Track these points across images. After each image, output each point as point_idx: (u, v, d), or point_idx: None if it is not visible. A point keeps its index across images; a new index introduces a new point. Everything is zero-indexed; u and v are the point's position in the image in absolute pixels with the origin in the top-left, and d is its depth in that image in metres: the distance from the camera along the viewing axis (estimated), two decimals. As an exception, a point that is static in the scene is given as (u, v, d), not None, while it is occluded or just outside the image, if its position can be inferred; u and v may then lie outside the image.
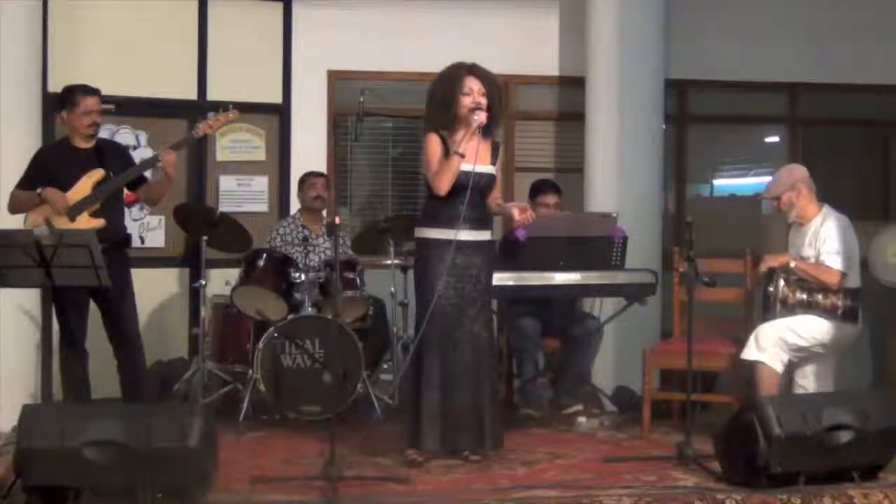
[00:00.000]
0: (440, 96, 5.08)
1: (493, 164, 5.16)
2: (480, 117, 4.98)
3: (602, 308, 6.39)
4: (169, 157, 5.47)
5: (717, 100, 8.00)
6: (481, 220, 5.13)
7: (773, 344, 5.37)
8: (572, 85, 7.55)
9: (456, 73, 5.08)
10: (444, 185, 4.99)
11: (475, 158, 4.95)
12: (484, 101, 5.03)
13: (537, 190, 6.52)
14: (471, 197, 4.98)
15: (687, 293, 5.29)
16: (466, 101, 5.01)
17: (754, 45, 7.73)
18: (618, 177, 7.01)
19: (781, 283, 5.47)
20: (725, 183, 8.50)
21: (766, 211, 7.97)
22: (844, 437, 4.56)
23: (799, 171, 5.65)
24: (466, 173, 4.97)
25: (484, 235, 5.14)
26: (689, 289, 5.24)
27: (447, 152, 5.00)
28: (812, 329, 5.43)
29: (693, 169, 8.10)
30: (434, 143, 5.05)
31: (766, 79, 7.86)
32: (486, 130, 5.09)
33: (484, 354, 5.08)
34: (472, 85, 5.03)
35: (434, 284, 4.97)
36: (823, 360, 5.55)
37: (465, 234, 5.03)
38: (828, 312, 5.44)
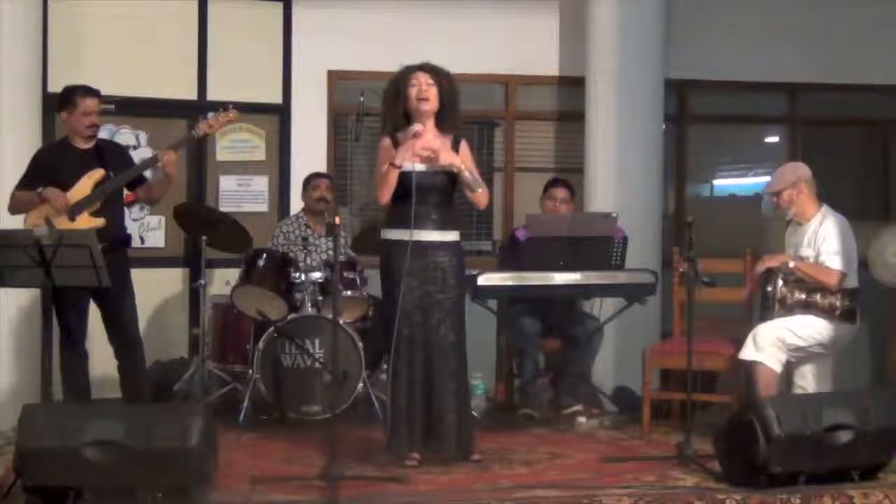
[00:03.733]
0: (389, 94, 5.09)
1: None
2: (416, 128, 4.94)
3: (602, 308, 6.39)
4: (169, 157, 5.47)
5: (717, 100, 7.99)
6: (445, 220, 5.05)
7: (770, 344, 5.37)
8: (572, 85, 7.55)
9: (405, 70, 5.07)
10: (382, 196, 4.99)
11: (422, 148, 4.91)
12: (432, 90, 5.00)
13: (550, 185, 6.54)
14: (425, 197, 4.94)
15: (687, 293, 5.29)
16: (413, 92, 4.99)
17: (754, 45, 7.72)
18: (618, 177, 7.01)
19: (780, 283, 5.46)
20: (725, 183, 8.50)
21: (766, 211, 7.98)
22: (844, 437, 4.56)
23: (802, 170, 5.65)
24: (409, 174, 4.92)
25: (448, 236, 5.06)
26: (689, 289, 5.23)
27: None
28: (810, 329, 5.42)
29: (693, 169, 8.09)
30: (384, 151, 5.04)
31: (766, 79, 7.85)
32: (441, 124, 5.06)
33: (450, 359, 4.99)
34: (420, 77, 5.02)
35: (394, 286, 4.94)
36: (822, 361, 5.55)
37: (428, 235, 5.00)
38: (826, 312, 5.44)
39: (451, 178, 5.06)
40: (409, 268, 4.92)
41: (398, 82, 5.07)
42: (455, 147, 5.10)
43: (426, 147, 4.96)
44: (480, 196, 5.12)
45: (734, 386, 5.71)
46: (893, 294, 6.60)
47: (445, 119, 5.08)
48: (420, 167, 4.96)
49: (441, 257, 5.02)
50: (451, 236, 5.08)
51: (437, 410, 4.97)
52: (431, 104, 5.02)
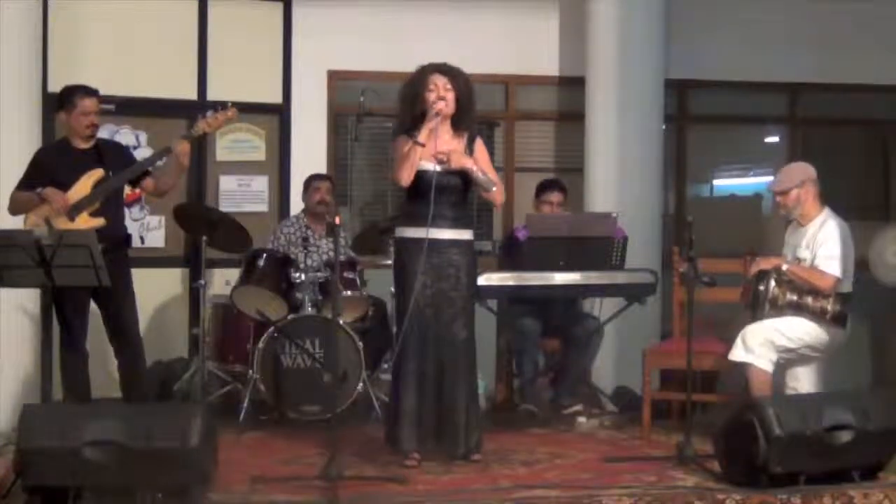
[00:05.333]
0: (406, 96, 5.09)
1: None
2: (439, 105, 4.97)
3: (602, 308, 6.39)
4: (183, 147, 5.46)
5: (717, 100, 8.00)
6: (460, 218, 5.10)
7: (760, 345, 5.33)
8: (572, 85, 7.55)
9: (421, 72, 5.08)
10: (403, 176, 4.97)
11: (434, 155, 4.96)
12: (450, 94, 5.02)
13: (542, 188, 6.53)
14: (441, 195, 4.97)
15: (687, 293, 5.29)
16: (431, 97, 5.01)
17: (754, 45, 7.73)
18: (618, 177, 7.01)
19: (772, 283, 5.43)
20: (725, 183, 8.50)
21: (767, 211, 7.98)
22: (844, 437, 4.56)
23: (809, 170, 5.60)
24: (428, 172, 4.97)
25: (463, 234, 5.10)
26: (689, 289, 5.23)
27: None
28: (799, 331, 5.39)
29: (693, 169, 8.10)
30: (400, 143, 5.06)
31: (766, 79, 7.86)
32: (457, 126, 5.09)
33: (462, 356, 5.03)
34: (437, 81, 5.03)
35: (408, 283, 4.96)
36: (813, 363, 5.53)
37: (443, 233, 5.02)
38: (816, 316, 5.40)
39: (466, 178, 5.10)
40: (423, 266, 4.95)
41: (415, 84, 5.08)
42: (470, 146, 5.14)
43: (440, 152, 5.00)
44: (495, 195, 5.17)
45: (734, 386, 5.69)
46: (893, 294, 6.59)
47: (461, 120, 5.11)
48: (436, 167, 5.00)
49: (455, 255, 5.05)
50: (465, 235, 5.13)
51: (448, 408, 5.01)
52: (449, 109, 5.03)
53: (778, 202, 5.66)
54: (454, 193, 5.07)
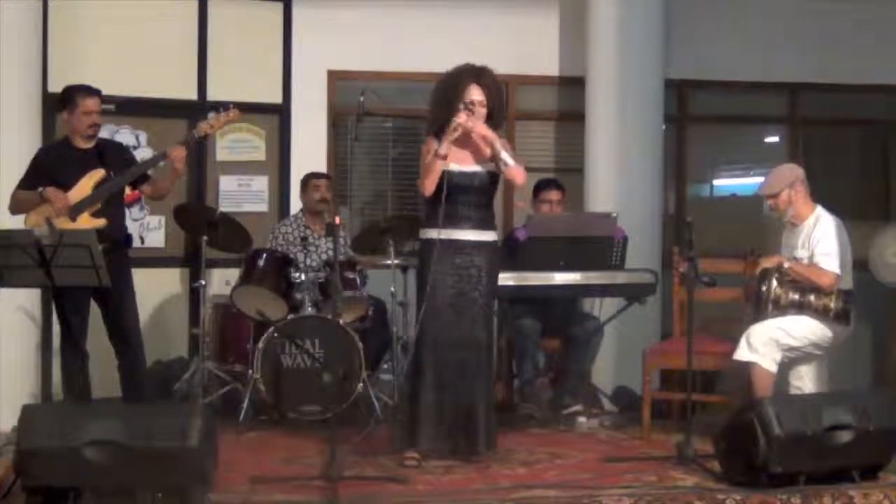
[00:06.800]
0: (440, 100, 5.09)
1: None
2: (461, 119, 4.95)
3: (602, 308, 6.39)
4: (179, 152, 5.48)
5: (717, 100, 8.00)
6: (483, 220, 5.12)
7: (764, 344, 5.33)
8: (572, 85, 7.55)
9: (460, 79, 5.06)
10: (425, 186, 5.00)
11: (456, 157, 4.98)
12: (483, 111, 5.03)
13: (540, 187, 6.54)
14: (465, 196, 4.99)
15: (687, 293, 5.29)
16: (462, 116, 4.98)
17: (754, 45, 7.73)
18: (618, 177, 7.01)
19: (774, 283, 5.42)
20: (725, 183, 8.50)
21: (766, 211, 7.98)
22: (844, 437, 4.56)
23: (797, 171, 5.63)
24: (449, 173, 4.98)
25: (486, 236, 5.12)
26: (689, 289, 5.23)
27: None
28: (804, 329, 5.40)
29: (693, 169, 8.09)
30: (430, 146, 5.06)
31: (766, 79, 7.86)
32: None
33: (481, 356, 5.06)
34: (474, 95, 5.02)
35: (431, 284, 4.97)
36: (817, 361, 5.53)
37: (467, 234, 5.04)
38: (819, 313, 5.40)
39: (491, 178, 5.11)
40: (445, 266, 4.98)
41: (449, 90, 5.06)
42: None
43: (461, 123, 4.95)
44: (516, 172, 5.10)
45: (734, 386, 5.69)
46: (893, 294, 6.59)
47: (490, 126, 5.11)
48: (460, 167, 5.01)
49: (478, 257, 5.07)
50: (488, 236, 5.14)
51: (468, 409, 5.02)
52: (471, 123, 5.01)
53: (770, 205, 5.65)
54: (478, 194, 5.08)
